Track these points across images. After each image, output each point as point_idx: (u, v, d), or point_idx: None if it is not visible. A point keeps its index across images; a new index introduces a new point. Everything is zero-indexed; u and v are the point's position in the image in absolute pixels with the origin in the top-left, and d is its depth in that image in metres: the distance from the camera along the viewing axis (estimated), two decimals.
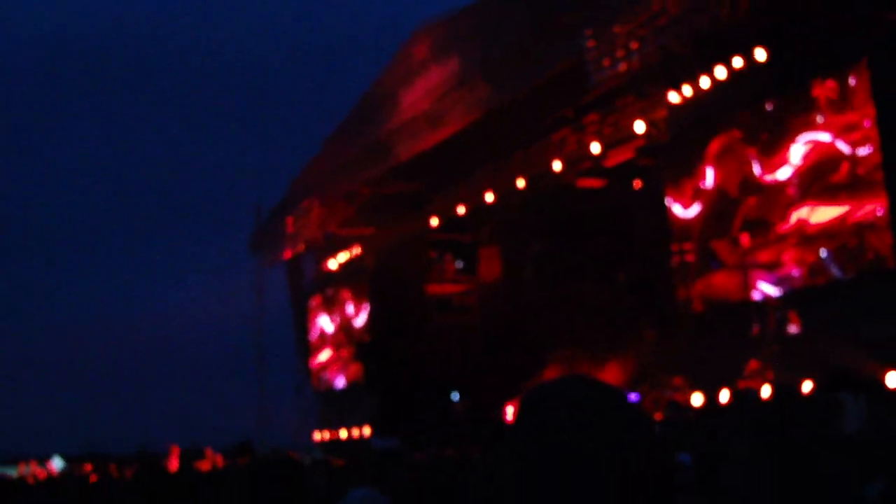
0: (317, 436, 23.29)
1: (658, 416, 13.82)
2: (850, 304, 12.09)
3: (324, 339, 24.14)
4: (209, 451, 15.27)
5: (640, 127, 14.75)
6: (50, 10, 54.89)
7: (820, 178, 12.56)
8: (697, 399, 13.35)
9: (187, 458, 13.97)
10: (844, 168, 12.26)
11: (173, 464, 13.73)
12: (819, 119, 12.56)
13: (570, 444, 1.39)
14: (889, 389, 11.12)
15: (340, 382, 23.18)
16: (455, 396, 19.68)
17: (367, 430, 20.65)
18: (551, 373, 17.22)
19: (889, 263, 11.68)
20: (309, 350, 24.71)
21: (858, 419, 9.43)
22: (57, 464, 18.37)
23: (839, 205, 12.28)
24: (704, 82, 13.54)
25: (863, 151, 12.00)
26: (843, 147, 12.25)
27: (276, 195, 24.81)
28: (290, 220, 22.74)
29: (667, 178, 14.98)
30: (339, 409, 22.80)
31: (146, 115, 55.95)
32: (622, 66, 13.62)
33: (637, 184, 17.46)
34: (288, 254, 23.68)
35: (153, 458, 11.92)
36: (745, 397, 12.58)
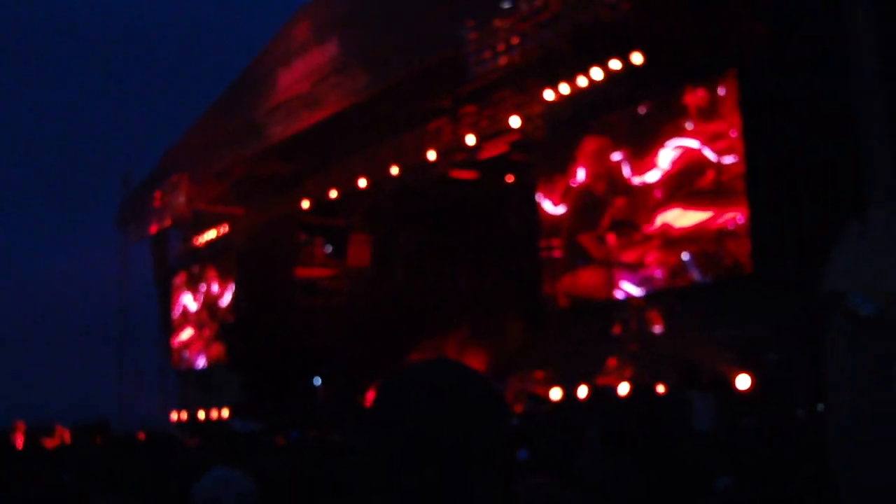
0: (174, 416, 22.58)
1: (518, 409, 13.83)
2: (708, 307, 12.31)
3: (186, 318, 23.38)
4: (59, 428, 14.52)
5: (515, 122, 14.67)
6: None
7: (686, 184, 12.72)
8: (556, 393, 13.40)
9: (35, 435, 13.25)
10: (710, 175, 12.45)
11: (19, 440, 12.98)
12: (689, 126, 12.72)
13: (429, 427, 1.38)
14: (739, 391, 11.36)
15: (201, 362, 22.50)
16: (317, 381, 19.33)
17: (226, 412, 20.11)
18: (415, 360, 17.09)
19: (746, 269, 11.92)
20: (171, 328, 23.91)
21: (708, 418, 9.54)
22: None
23: (703, 210, 12.46)
24: (581, 81, 13.53)
25: (728, 160, 12.19)
26: (710, 154, 12.43)
27: (146, 169, 23.88)
28: (157, 194, 21.90)
29: (539, 174, 14.97)
30: (199, 389, 22.15)
31: (7, 83, 53.33)
32: (502, 60, 13.49)
33: (510, 178, 17.44)
34: (154, 229, 22.82)
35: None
36: (602, 394, 12.67)
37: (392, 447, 1.39)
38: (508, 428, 1.46)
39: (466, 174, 17.45)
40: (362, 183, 17.82)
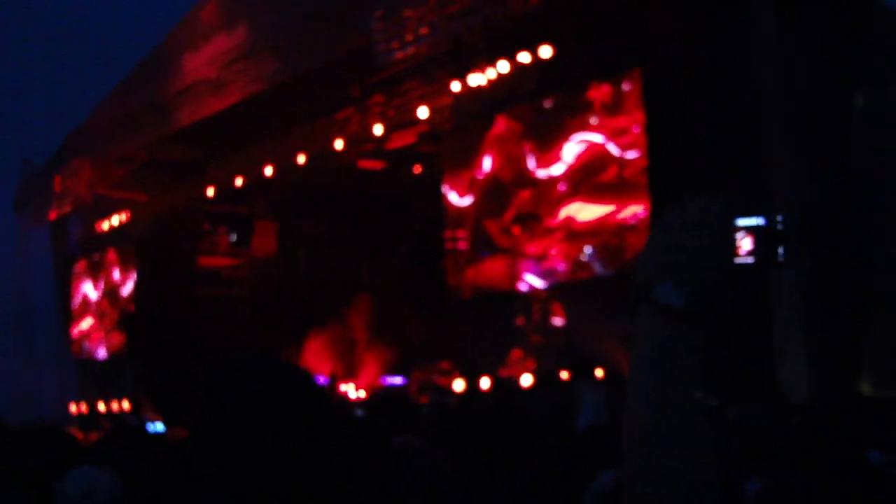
0: (73, 408, 22.01)
1: (424, 400, 13.86)
2: (609, 300, 12.49)
3: (87, 307, 22.82)
4: None
5: (423, 112, 14.66)
6: None
7: (589, 178, 12.90)
8: (459, 385, 13.45)
9: None
10: (613, 170, 12.65)
11: None
12: (593, 120, 12.89)
13: (247, 421, 1.37)
14: None
15: (102, 353, 21.99)
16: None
17: (126, 404, 19.69)
18: (319, 353, 16.98)
19: None
20: (71, 317, 23.31)
21: (596, 410, 9.69)
22: None
23: (605, 204, 12.65)
24: (490, 73, 13.58)
25: (630, 155, 12.40)
26: (613, 149, 12.62)
27: (47, 151, 23.17)
28: (58, 178, 21.28)
29: (446, 165, 15.00)
30: (99, 380, 21.64)
31: None
32: (410, 50, 13.45)
33: (417, 169, 17.44)
34: (54, 214, 22.19)
35: None
36: (504, 385, 12.77)
37: (215, 439, 1.39)
38: (336, 419, 1.49)
39: (374, 164, 17.40)
40: (268, 171, 17.60)
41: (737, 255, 1.31)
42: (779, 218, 1.35)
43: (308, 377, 1.49)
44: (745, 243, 1.31)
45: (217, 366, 1.51)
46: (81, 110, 22.47)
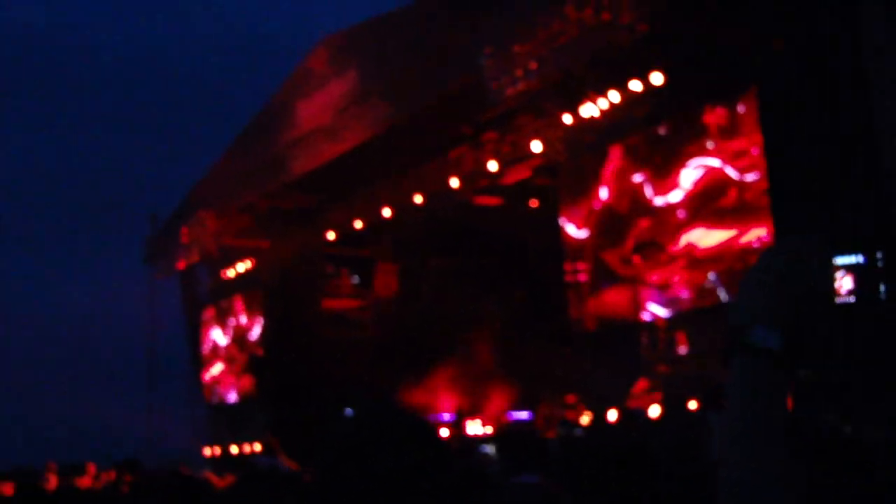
0: (207, 451, 22.73)
1: (551, 434, 13.85)
2: None
3: (216, 352, 23.61)
4: (91, 468, 14.66)
5: (537, 146, 14.80)
6: None
7: (709, 203, 12.79)
8: (586, 418, 13.42)
9: (67, 475, 13.39)
10: (732, 193, 12.52)
11: (52, 481, 13.14)
12: (709, 144, 12.81)
13: (372, 474, 1.46)
14: None
15: (232, 397, 22.69)
16: (349, 412, 19.39)
17: (257, 447, 20.22)
18: (445, 390, 17.15)
19: None
20: (201, 363, 24.13)
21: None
22: None
23: (727, 229, 12.52)
24: (601, 104, 13.64)
25: (750, 177, 12.27)
26: (732, 173, 12.50)
27: (172, 205, 24.20)
28: (184, 230, 22.18)
29: (562, 197, 15.08)
30: (230, 423, 22.29)
31: (38, 119, 54.21)
32: (521, 85, 13.63)
33: (533, 203, 17.55)
34: (182, 264, 23.09)
35: (30, 476, 11.36)
36: (633, 417, 12.69)
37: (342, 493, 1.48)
38: (454, 460, 1.54)
39: (490, 200, 17.59)
40: (386, 212, 18.00)
41: (837, 294, 1.31)
42: (878, 255, 1.35)
43: (432, 429, 1.57)
44: (846, 282, 1.32)
45: (344, 417, 1.65)
46: (203, 164, 23.41)
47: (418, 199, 17.21)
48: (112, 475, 13.66)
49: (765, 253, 1.41)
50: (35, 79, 53.36)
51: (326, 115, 17.80)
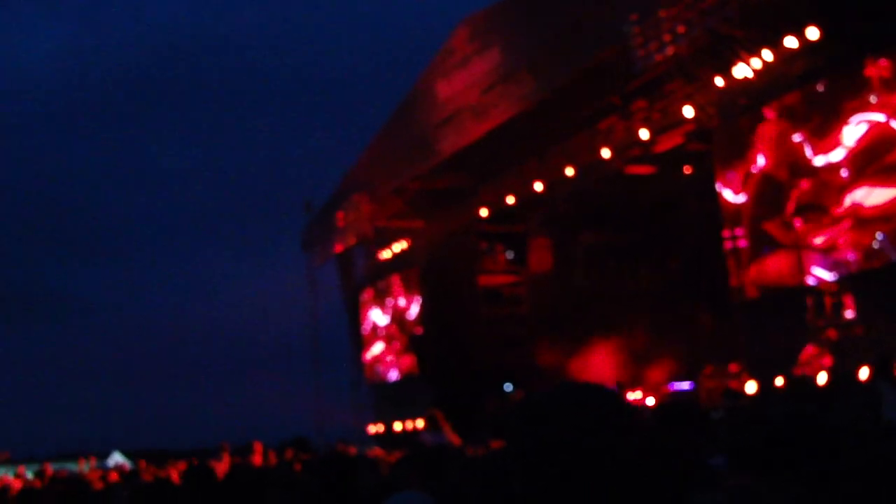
0: (372, 429, 23.46)
1: (715, 405, 13.71)
2: None
3: (376, 333, 24.30)
4: (260, 447, 15.38)
5: (688, 112, 14.62)
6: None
7: (874, 160, 12.35)
8: (751, 387, 13.23)
9: (240, 455, 14.08)
10: None
11: (225, 461, 13.86)
12: (872, 99, 12.34)
13: (571, 452, 1.46)
14: None
15: (394, 375, 23.33)
16: (509, 387, 19.68)
17: (420, 423, 20.73)
18: (603, 363, 17.17)
19: None
20: (362, 343, 24.88)
21: None
22: (116, 460, 18.73)
23: (894, 186, 12.06)
24: (755, 63, 13.31)
25: None
26: None
27: (327, 191, 25.02)
28: (340, 214, 22.90)
29: (717, 162, 14.83)
30: (393, 401, 22.93)
31: (204, 122, 56.66)
32: (669, 51, 13.49)
33: (687, 169, 17.30)
34: (339, 248, 23.85)
35: (205, 456, 12.02)
36: (800, 384, 12.44)
37: (541, 474, 1.48)
38: (651, 438, 1.57)
39: (643, 169, 17.44)
40: (538, 187, 18.12)
41: None
42: None
43: (619, 399, 1.58)
44: None
45: (530, 401, 1.60)
46: (354, 150, 24.08)
47: (569, 171, 17.26)
48: (286, 454, 14.34)
49: None
50: (182, 79, 55.71)
51: (472, 94, 18.03)
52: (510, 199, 19.02)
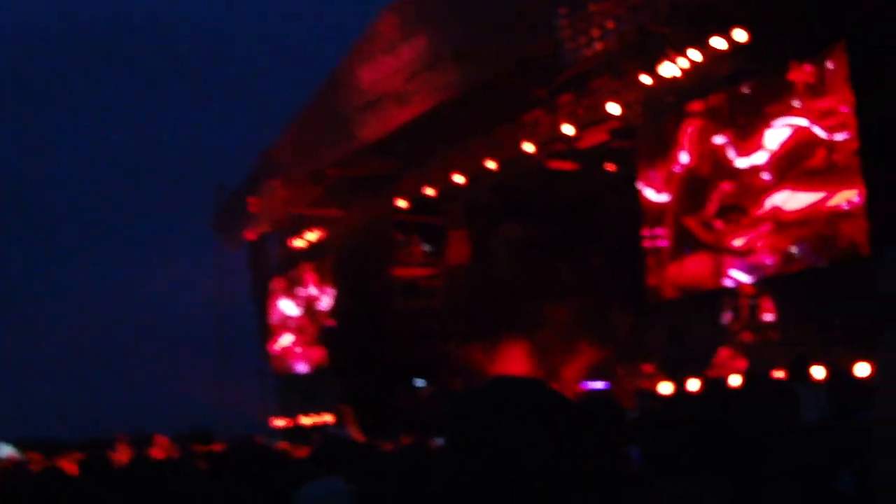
0: (277, 422, 23.19)
1: (628, 405, 13.88)
2: (823, 293, 12.19)
3: (285, 323, 24.02)
4: (160, 439, 15.05)
5: (614, 109, 14.75)
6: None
7: (796, 164, 12.63)
8: (666, 388, 13.41)
9: (138, 446, 13.77)
10: (821, 154, 12.34)
11: (122, 452, 13.53)
12: (796, 103, 12.62)
13: (503, 447, 1.45)
14: (857, 379, 11.21)
15: (303, 367, 23.09)
16: (420, 382, 19.66)
17: (328, 418, 20.58)
18: (518, 359, 17.24)
19: (863, 251, 11.77)
20: (269, 334, 24.57)
21: (817, 410, 9.48)
22: (5, 451, 18.11)
23: (814, 191, 12.36)
24: (681, 63, 13.51)
25: (839, 137, 12.07)
26: (820, 132, 12.32)
27: (240, 175, 24.59)
28: (253, 200, 22.54)
29: (640, 161, 15.01)
30: (300, 394, 22.71)
31: (105, 89, 55.34)
32: (598, 46, 13.58)
33: (610, 167, 17.48)
34: (251, 235, 23.50)
35: (100, 447, 11.72)
36: (714, 386, 12.66)
37: (475, 469, 1.46)
38: (583, 430, 1.56)
39: (565, 165, 17.55)
40: (459, 179, 18.09)
41: None
42: None
43: (553, 393, 1.56)
44: None
45: (464, 396, 1.60)
46: (270, 132, 23.71)
47: (491, 164, 17.28)
48: (190, 446, 14.04)
49: None
50: (97, 56, 54.39)
51: (396, 80, 17.90)
52: (430, 191, 18.97)
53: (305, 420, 21.84)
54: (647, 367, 14.86)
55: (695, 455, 2.96)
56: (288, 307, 23.98)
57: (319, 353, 22.25)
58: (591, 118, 15.43)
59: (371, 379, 19.52)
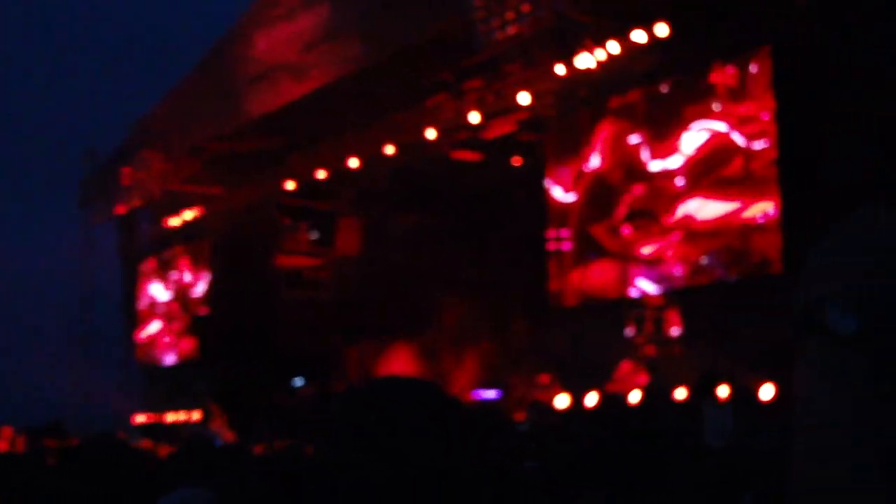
0: (139, 418, 22.62)
1: (520, 417, 13.87)
2: (732, 309, 12.36)
3: (154, 309, 23.40)
4: (7, 431, 14.53)
5: (524, 98, 14.70)
6: None
7: (711, 171, 12.77)
8: (563, 401, 13.43)
9: None
10: (738, 162, 12.50)
11: None
12: (716, 107, 12.76)
13: (385, 449, 1.45)
14: (761, 401, 11.38)
15: (170, 359, 22.55)
16: (298, 382, 19.38)
17: (196, 416, 20.16)
18: (406, 361, 17.13)
19: (775, 268, 11.95)
20: (136, 320, 23.95)
21: (722, 430, 9.60)
22: None
23: (729, 201, 12.50)
24: (599, 55, 13.53)
25: (758, 145, 12.24)
26: (739, 139, 12.47)
27: (113, 141, 23.86)
28: (126, 170, 21.90)
29: (549, 156, 15.02)
30: (166, 389, 22.21)
31: None
32: (511, 30, 13.50)
33: (517, 160, 17.47)
34: (121, 209, 22.83)
35: None
36: (612, 401, 12.73)
37: (355, 471, 1.45)
38: (475, 436, 1.55)
39: (469, 155, 17.47)
40: (353, 163, 17.86)
41: None
42: None
43: (444, 398, 1.56)
44: None
45: (348, 395, 1.62)
46: (150, 96, 23.08)
47: (389, 149, 17.08)
48: (33, 440, 13.55)
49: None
50: None
51: (292, 50, 17.55)
52: (321, 174, 18.69)
53: (171, 417, 21.37)
54: (544, 378, 14.87)
55: (588, 472, 2.92)
56: (158, 292, 23.39)
57: (190, 344, 21.74)
58: (499, 107, 15.37)
59: (245, 375, 19.16)
